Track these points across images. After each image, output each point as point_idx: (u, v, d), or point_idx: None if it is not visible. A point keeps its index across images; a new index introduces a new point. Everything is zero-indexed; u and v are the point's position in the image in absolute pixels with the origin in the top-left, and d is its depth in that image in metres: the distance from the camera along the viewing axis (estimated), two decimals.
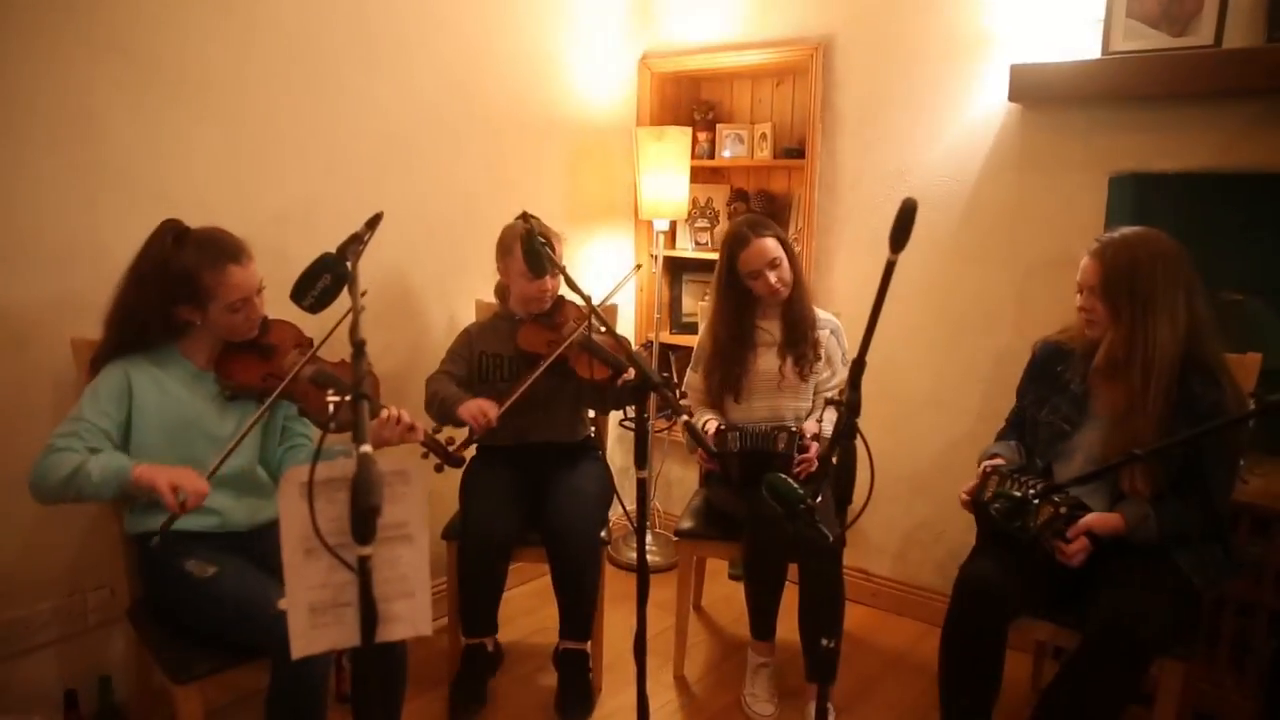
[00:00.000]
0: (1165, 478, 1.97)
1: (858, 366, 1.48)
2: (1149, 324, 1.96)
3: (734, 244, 2.52)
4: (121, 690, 2.18)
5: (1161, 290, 1.96)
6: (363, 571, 1.16)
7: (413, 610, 1.32)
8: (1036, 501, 1.94)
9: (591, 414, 2.77)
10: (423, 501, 1.28)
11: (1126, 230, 2.06)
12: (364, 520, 1.06)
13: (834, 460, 1.55)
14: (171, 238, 1.90)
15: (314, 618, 1.27)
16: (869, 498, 1.53)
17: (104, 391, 1.88)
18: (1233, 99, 2.37)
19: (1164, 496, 1.99)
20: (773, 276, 2.50)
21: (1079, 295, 2.10)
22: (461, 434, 2.38)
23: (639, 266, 3.26)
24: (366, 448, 1.09)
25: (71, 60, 2.03)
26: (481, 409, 2.35)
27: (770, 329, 2.60)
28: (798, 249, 2.95)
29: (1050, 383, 2.22)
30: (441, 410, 2.41)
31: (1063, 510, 1.95)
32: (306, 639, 1.27)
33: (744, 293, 2.56)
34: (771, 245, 2.50)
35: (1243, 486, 2.22)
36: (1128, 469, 1.97)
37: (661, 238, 3.39)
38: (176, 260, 1.88)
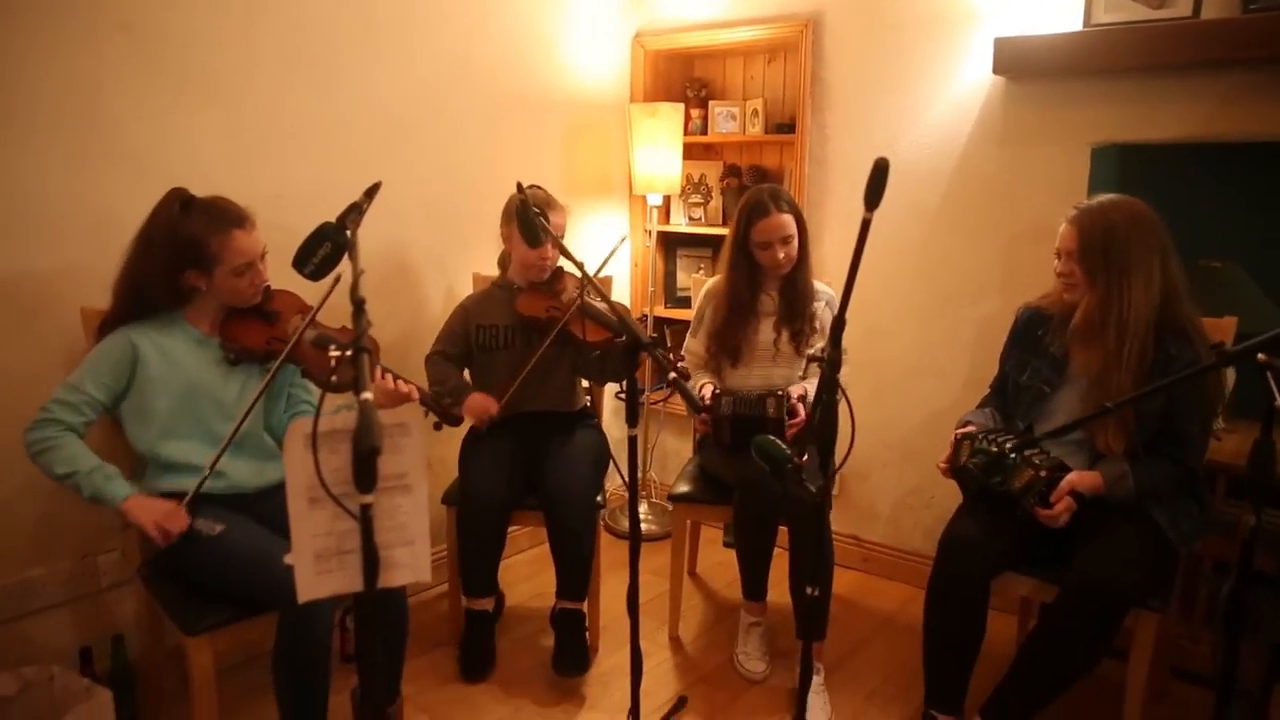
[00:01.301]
0: (1140, 435, 2.03)
1: (838, 324, 1.54)
2: (1124, 287, 2.02)
3: (753, 211, 2.54)
4: (134, 649, 2.25)
5: (1136, 255, 2.02)
6: (364, 519, 1.21)
7: (413, 557, 1.39)
8: (1013, 456, 2.00)
9: (587, 385, 2.83)
10: (421, 453, 1.35)
11: (1103, 198, 2.12)
12: (365, 461, 1.12)
13: (816, 418, 1.60)
14: (179, 205, 1.97)
15: (319, 564, 1.34)
16: (849, 450, 1.60)
17: (105, 361, 1.95)
18: (1211, 69, 2.42)
19: (1139, 455, 2.05)
20: (781, 252, 2.54)
21: (1057, 260, 2.17)
22: None
23: (624, 239, 3.31)
24: (367, 395, 1.15)
25: (78, 42, 2.09)
26: (484, 407, 2.47)
27: (770, 300, 2.66)
28: None
29: (1031, 347, 2.28)
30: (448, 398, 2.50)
31: (1043, 474, 2.01)
32: (312, 584, 1.33)
33: (754, 261, 2.60)
34: (788, 221, 2.54)
35: (1219, 446, 2.29)
36: (1102, 429, 2.03)
37: (655, 212, 3.44)
38: (183, 226, 1.94)
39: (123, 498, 1.86)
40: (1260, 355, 1.38)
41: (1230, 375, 2.45)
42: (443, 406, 2.19)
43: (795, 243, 2.57)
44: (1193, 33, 2.36)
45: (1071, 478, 2.03)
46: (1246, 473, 1.40)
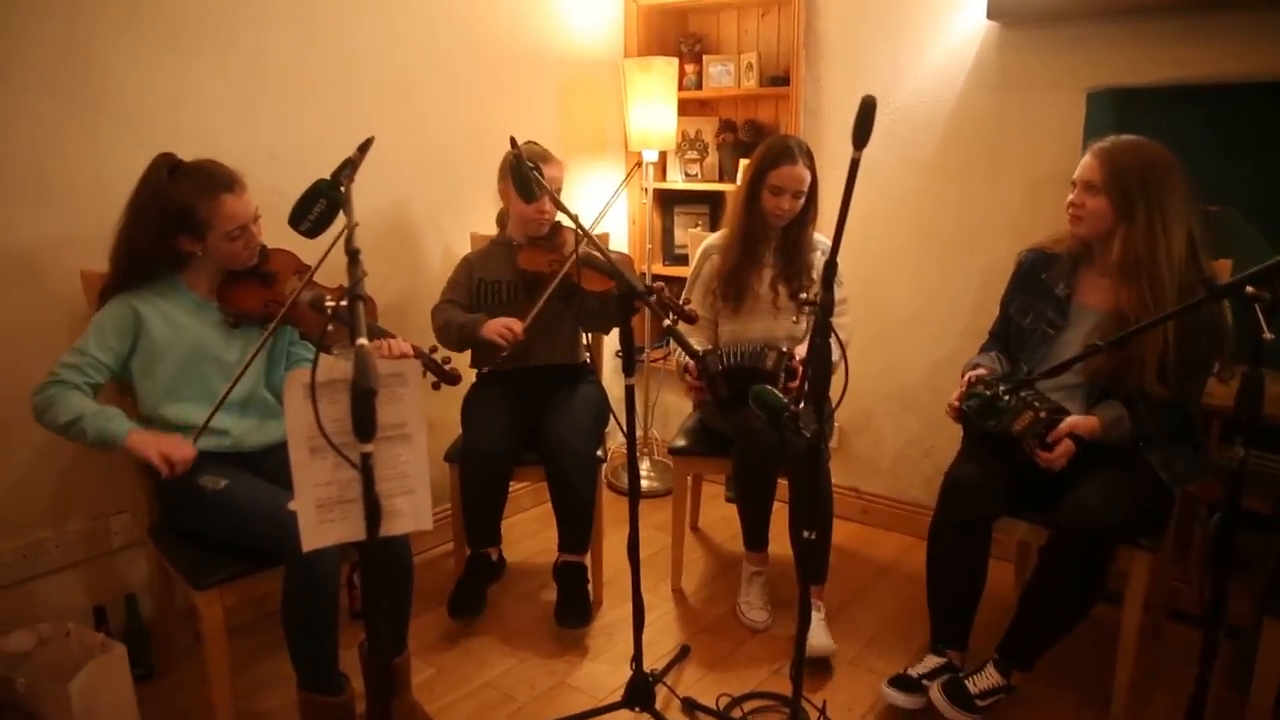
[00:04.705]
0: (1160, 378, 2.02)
1: (830, 267, 1.55)
2: (1167, 224, 2.00)
3: (780, 155, 2.51)
4: (147, 608, 2.30)
5: (1171, 194, 2.01)
6: (365, 467, 1.23)
7: (414, 505, 1.41)
8: (1007, 398, 2.02)
9: (587, 340, 2.84)
10: (419, 402, 1.37)
11: (1128, 136, 2.09)
12: (362, 403, 1.14)
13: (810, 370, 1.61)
14: (166, 171, 1.96)
15: (321, 513, 1.36)
16: (843, 392, 1.62)
17: (109, 325, 1.97)
18: (1206, 9, 2.39)
19: (1135, 399, 2.06)
20: (787, 204, 2.54)
21: (1073, 191, 2.14)
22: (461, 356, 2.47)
23: (638, 164, 3.25)
24: (363, 341, 1.17)
25: (70, 1, 2.08)
26: (507, 325, 2.44)
27: (769, 251, 2.66)
28: None
29: (1034, 289, 2.28)
30: (461, 336, 2.49)
31: (1042, 415, 2.03)
32: (315, 533, 1.36)
33: (760, 210, 2.59)
34: (806, 176, 2.53)
35: (1213, 389, 2.29)
36: (1135, 371, 2.02)
37: (651, 169, 3.43)
38: (172, 193, 1.94)
39: (124, 433, 1.87)
40: (1249, 288, 1.39)
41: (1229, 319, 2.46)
42: (440, 366, 2.21)
43: (801, 201, 2.56)
44: None
45: (1070, 420, 2.04)
46: (1235, 405, 1.41)
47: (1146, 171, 2.02)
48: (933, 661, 2.18)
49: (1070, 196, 2.14)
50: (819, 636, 2.36)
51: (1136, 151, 2.05)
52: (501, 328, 2.43)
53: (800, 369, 2.45)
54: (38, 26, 2.04)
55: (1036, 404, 2.04)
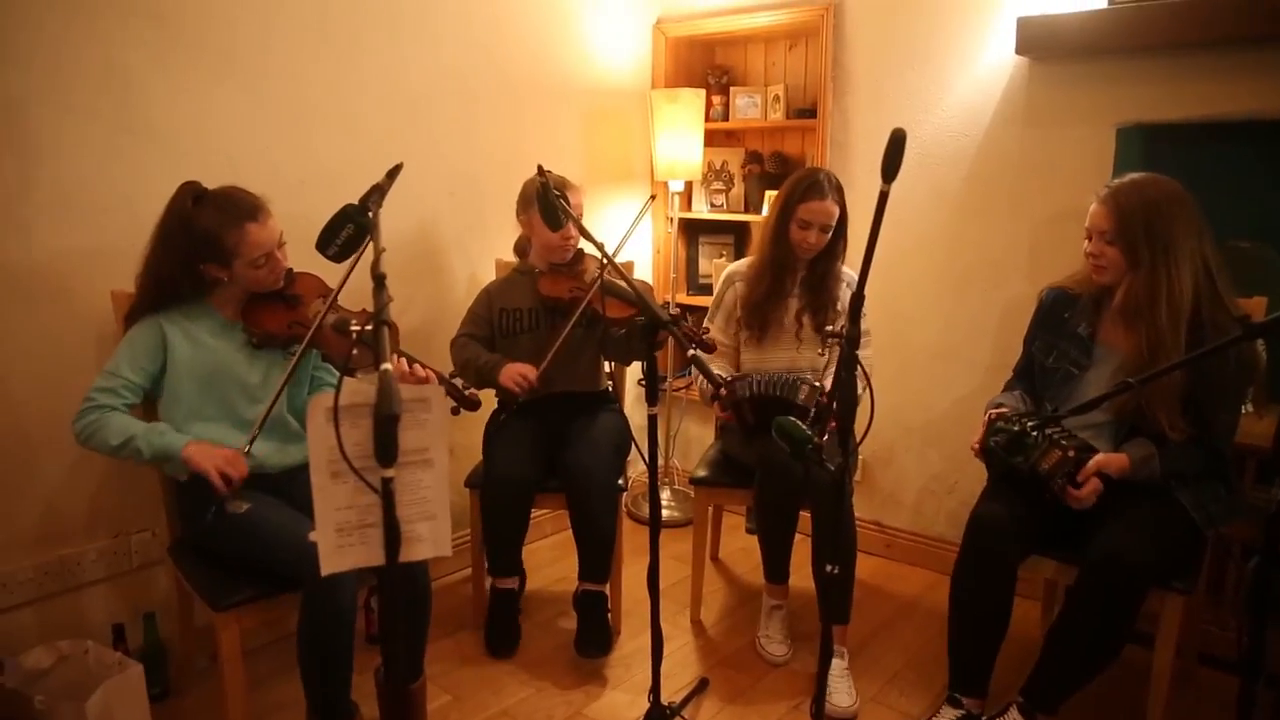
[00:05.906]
0: (1186, 416, 1.99)
1: (857, 300, 1.54)
2: (1171, 266, 1.98)
3: (809, 188, 2.49)
4: (165, 627, 2.30)
5: (1179, 233, 1.99)
6: (386, 492, 1.23)
7: (434, 532, 1.40)
8: (1034, 435, 1.99)
9: (609, 368, 2.84)
10: (442, 428, 1.36)
11: (1135, 176, 2.08)
12: (385, 428, 1.13)
13: (834, 402, 1.60)
14: (191, 200, 1.98)
15: (340, 537, 1.35)
16: (869, 425, 1.60)
17: (139, 346, 1.99)
18: (1238, 46, 2.38)
19: (1167, 437, 2.02)
20: (814, 238, 2.52)
21: (1087, 242, 2.13)
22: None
23: (653, 197, 3.28)
24: (387, 365, 1.17)
25: (105, 25, 2.12)
26: (521, 373, 2.45)
27: (794, 282, 2.64)
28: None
29: (1057, 328, 2.26)
30: (480, 377, 2.49)
31: (1071, 454, 1.99)
32: (334, 557, 1.34)
33: (788, 241, 2.58)
34: (834, 211, 2.51)
35: (1249, 429, 2.24)
36: (1161, 411, 1.99)
37: (677, 199, 3.44)
38: (197, 223, 1.96)
39: (181, 446, 1.89)
40: None
41: (1262, 358, 2.42)
42: (460, 391, 2.21)
43: (829, 235, 2.55)
44: (1218, 9, 2.31)
45: (1099, 458, 2.01)
46: (1273, 446, 1.38)
47: (1150, 213, 2.01)
48: (950, 714, 2.13)
49: (1087, 246, 2.13)
50: (840, 693, 2.32)
51: (1141, 192, 2.03)
52: (517, 375, 2.44)
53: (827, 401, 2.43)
54: (75, 48, 2.08)
55: (1064, 442, 2.01)
